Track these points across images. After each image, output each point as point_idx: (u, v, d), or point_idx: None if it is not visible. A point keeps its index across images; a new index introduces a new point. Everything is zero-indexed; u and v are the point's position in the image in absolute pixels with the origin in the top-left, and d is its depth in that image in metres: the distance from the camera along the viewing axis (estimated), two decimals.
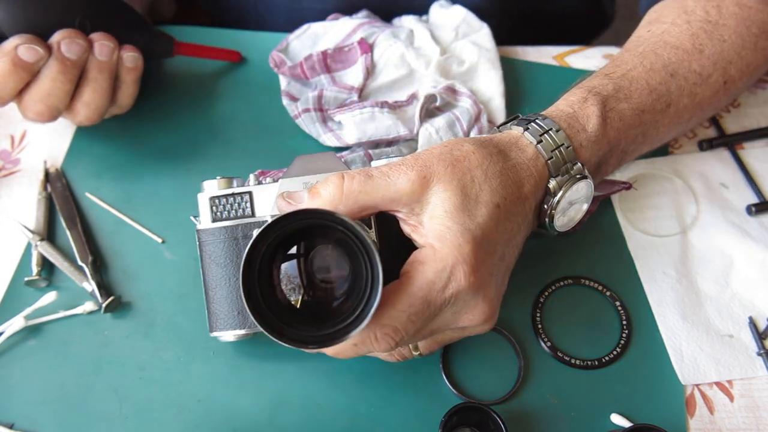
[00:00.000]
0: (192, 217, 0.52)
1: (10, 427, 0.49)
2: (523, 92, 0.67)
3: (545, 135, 0.45)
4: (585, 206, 0.49)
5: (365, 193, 0.42)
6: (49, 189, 0.60)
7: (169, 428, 0.50)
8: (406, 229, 0.44)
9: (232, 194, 0.49)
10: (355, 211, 0.42)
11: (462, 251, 0.40)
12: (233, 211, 0.48)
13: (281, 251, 0.41)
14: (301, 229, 0.40)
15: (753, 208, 0.59)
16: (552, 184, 0.45)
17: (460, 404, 0.46)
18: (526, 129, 0.46)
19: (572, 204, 0.47)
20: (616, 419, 0.50)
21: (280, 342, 0.38)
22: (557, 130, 0.46)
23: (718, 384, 0.52)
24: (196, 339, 0.53)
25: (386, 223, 0.45)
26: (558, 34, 0.82)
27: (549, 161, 0.45)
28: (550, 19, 0.84)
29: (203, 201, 0.49)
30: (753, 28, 0.54)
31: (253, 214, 0.48)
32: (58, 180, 0.60)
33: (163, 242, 0.58)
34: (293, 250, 0.42)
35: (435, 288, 0.41)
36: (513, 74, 0.68)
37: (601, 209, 0.60)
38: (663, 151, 0.63)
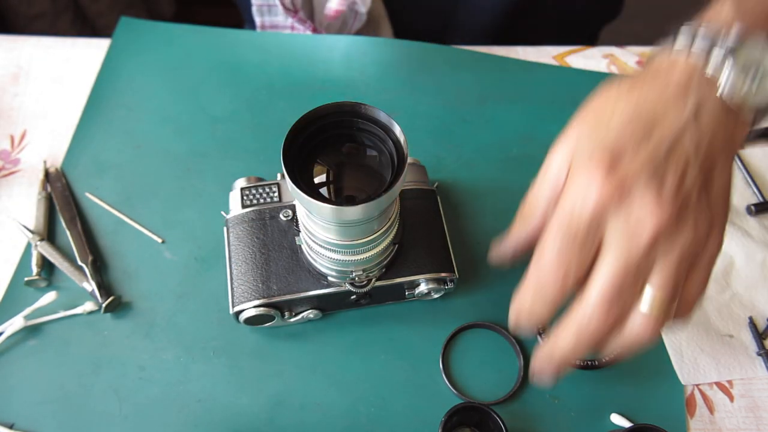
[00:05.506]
0: (222, 213, 0.54)
1: (10, 427, 0.49)
2: (523, 92, 0.67)
3: (677, 38, 0.41)
4: None
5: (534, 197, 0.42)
6: (49, 189, 0.60)
7: (169, 428, 0.50)
8: None
9: (262, 185, 0.53)
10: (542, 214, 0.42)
11: (591, 163, 0.38)
12: (262, 198, 0.52)
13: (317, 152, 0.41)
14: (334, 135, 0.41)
15: (753, 208, 0.59)
16: (711, 68, 0.40)
17: (460, 404, 0.46)
18: (661, 50, 0.43)
19: (758, 70, 0.40)
20: (616, 419, 0.50)
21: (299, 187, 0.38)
22: (689, 26, 0.41)
23: (718, 384, 0.52)
24: (196, 339, 0.53)
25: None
26: (561, 29, 0.83)
27: (690, 54, 0.40)
28: (554, 14, 0.85)
29: (234, 194, 0.53)
30: None
31: (280, 200, 0.52)
32: (58, 180, 0.60)
33: (163, 242, 0.58)
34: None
35: (575, 206, 0.38)
36: (513, 74, 0.68)
37: None
38: None
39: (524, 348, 0.53)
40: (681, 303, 0.40)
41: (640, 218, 0.37)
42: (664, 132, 0.39)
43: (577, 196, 0.38)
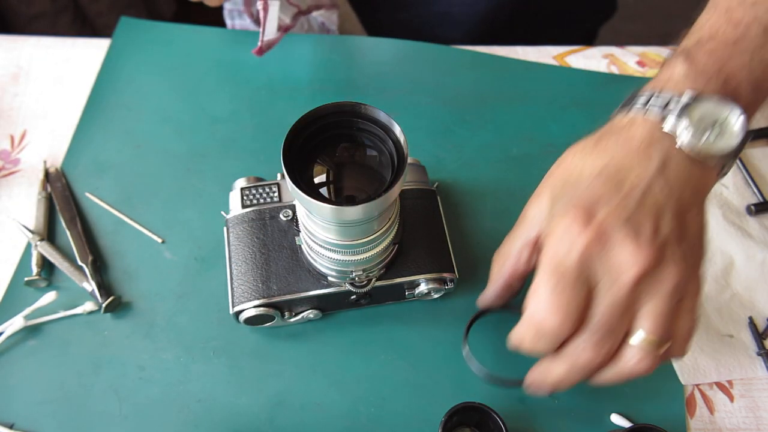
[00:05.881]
0: (222, 213, 0.54)
1: (10, 427, 0.49)
2: (523, 92, 0.67)
3: (633, 100, 0.44)
4: (737, 123, 0.42)
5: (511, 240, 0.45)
6: (49, 189, 0.60)
7: (169, 428, 0.50)
8: None
9: (262, 185, 0.52)
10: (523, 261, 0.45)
11: (568, 216, 0.40)
12: (262, 198, 0.52)
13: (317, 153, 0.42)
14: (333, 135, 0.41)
15: (753, 208, 0.59)
16: (668, 125, 0.42)
17: (460, 404, 0.46)
18: (618, 111, 0.45)
19: (714, 124, 0.42)
20: (616, 419, 0.50)
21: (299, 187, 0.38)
22: (644, 93, 0.44)
23: (718, 384, 0.52)
24: (196, 339, 0.53)
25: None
26: (556, 27, 0.83)
27: (647, 112, 0.42)
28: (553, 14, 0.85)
29: (234, 194, 0.53)
30: None
31: (280, 200, 0.52)
32: (58, 180, 0.60)
33: (163, 242, 0.58)
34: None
35: (559, 255, 0.40)
36: (513, 74, 0.68)
37: None
38: None
39: None
40: (674, 342, 0.42)
41: (622, 262, 0.39)
42: (634, 183, 0.41)
43: (562, 245, 0.40)
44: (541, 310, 0.40)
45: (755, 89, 0.45)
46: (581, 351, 0.41)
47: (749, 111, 0.44)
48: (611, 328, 0.40)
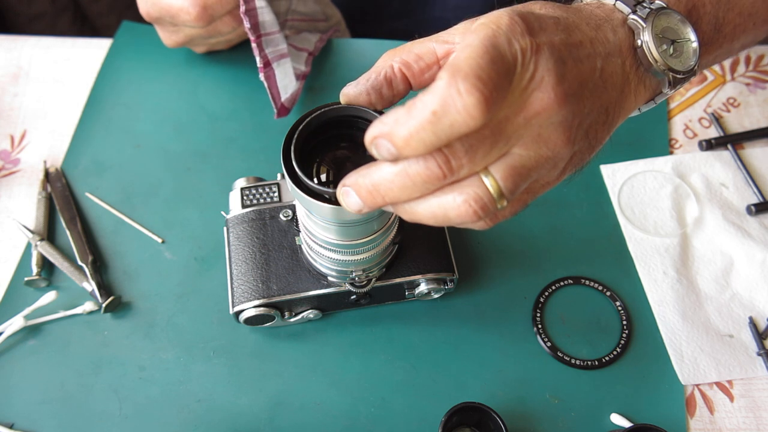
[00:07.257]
0: (222, 213, 0.54)
1: (10, 427, 0.49)
2: None
3: None
4: (694, 44, 0.42)
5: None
6: (49, 189, 0.60)
7: (169, 428, 0.50)
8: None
9: (262, 185, 0.53)
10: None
11: (508, 18, 0.35)
12: (262, 198, 0.52)
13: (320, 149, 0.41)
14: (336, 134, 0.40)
15: (753, 208, 0.59)
16: (631, 19, 0.40)
17: (460, 404, 0.46)
18: None
19: (675, 41, 0.41)
20: (616, 419, 0.50)
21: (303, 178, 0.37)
22: None
23: (718, 384, 0.52)
24: (196, 339, 0.53)
25: None
26: None
27: (616, 3, 0.40)
28: None
29: (234, 194, 0.53)
30: None
31: (280, 200, 0.52)
32: (58, 180, 0.60)
33: (163, 242, 0.58)
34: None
35: (498, 37, 0.33)
36: None
37: (601, 209, 0.60)
38: (663, 151, 0.63)
39: (525, 347, 0.53)
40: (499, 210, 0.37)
41: (536, 89, 0.35)
42: (583, 40, 0.38)
43: (501, 32, 0.34)
44: (466, 83, 0.31)
45: (716, 29, 0.44)
46: (439, 160, 0.34)
47: (704, 47, 0.43)
48: (481, 143, 0.34)
